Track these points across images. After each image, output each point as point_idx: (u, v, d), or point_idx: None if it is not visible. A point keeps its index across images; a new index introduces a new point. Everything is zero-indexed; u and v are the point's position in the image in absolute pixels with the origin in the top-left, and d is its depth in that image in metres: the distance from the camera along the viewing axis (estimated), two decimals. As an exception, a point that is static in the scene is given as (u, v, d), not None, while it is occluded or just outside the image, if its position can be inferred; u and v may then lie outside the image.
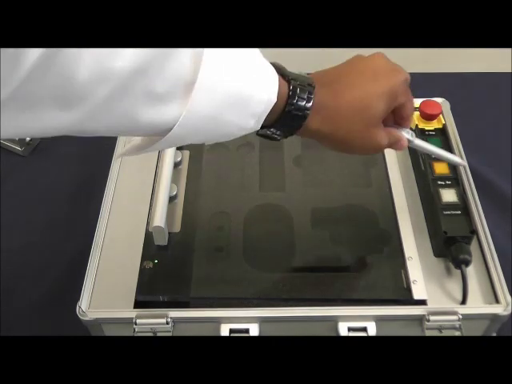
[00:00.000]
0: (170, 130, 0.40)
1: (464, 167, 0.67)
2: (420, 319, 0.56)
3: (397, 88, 0.49)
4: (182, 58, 0.38)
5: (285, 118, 0.45)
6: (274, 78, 0.43)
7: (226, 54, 0.40)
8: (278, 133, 0.47)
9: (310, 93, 0.45)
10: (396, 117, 0.52)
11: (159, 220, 0.61)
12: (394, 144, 0.52)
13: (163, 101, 0.39)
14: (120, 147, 0.72)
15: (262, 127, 0.45)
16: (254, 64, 0.42)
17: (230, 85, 0.40)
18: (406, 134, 0.54)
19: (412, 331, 0.57)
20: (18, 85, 0.34)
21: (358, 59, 0.51)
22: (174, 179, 0.68)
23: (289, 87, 0.45)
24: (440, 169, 0.65)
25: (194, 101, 0.39)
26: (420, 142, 0.56)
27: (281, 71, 0.45)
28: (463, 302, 0.58)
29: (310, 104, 0.45)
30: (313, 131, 0.47)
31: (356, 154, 0.52)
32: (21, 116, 0.36)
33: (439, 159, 0.62)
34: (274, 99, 0.43)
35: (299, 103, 0.45)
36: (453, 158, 0.61)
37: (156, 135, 0.42)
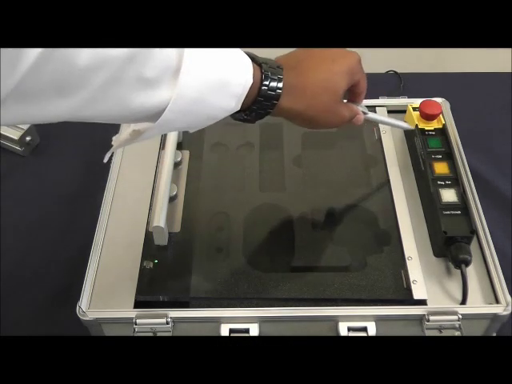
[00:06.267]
0: (159, 115, 0.43)
1: (464, 167, 0.68)
2: (420, 319, 0.56)
3: (353, 66, 0.54)
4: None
5: (260, 99, 0.49)
6: (248, 63, 0.48)
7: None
8: (253, 114, 0.50)
9: (280, 74, 0.50)
10: (351, 94, 0.58)
11: (159, 220, 0.61)
12: (353, 118, 0.58)
13: (153, 86, 0.42)
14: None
15: (239, 111, 0.49)
16: (229, 51, 0.47)
17: (212, 69, 0.45)
18: (361, 108, 0.59)
19: (412, 331, 0.57)
20: (22, 75, 0.35)
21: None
22: (174, 179, 0.68)
23: (261, 70, 0.49)
24: (440, 169, 0.65)
25: (181, 85, 0.43)
26: (373, 115, 0.64)
27: (252, 57, 0.50)
28: (463, 301, 0.58)
29: (281, 84, 0.49)
30: (285, 110, 0.52)
31: (323, 128, 0.56)
32: (23, 105, 0.38)
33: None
34: (251, 80, 0.47)
35: (272, 84, 0.49)
36: (401, 124, 0.69)
37: (146, 121, 0.46)
